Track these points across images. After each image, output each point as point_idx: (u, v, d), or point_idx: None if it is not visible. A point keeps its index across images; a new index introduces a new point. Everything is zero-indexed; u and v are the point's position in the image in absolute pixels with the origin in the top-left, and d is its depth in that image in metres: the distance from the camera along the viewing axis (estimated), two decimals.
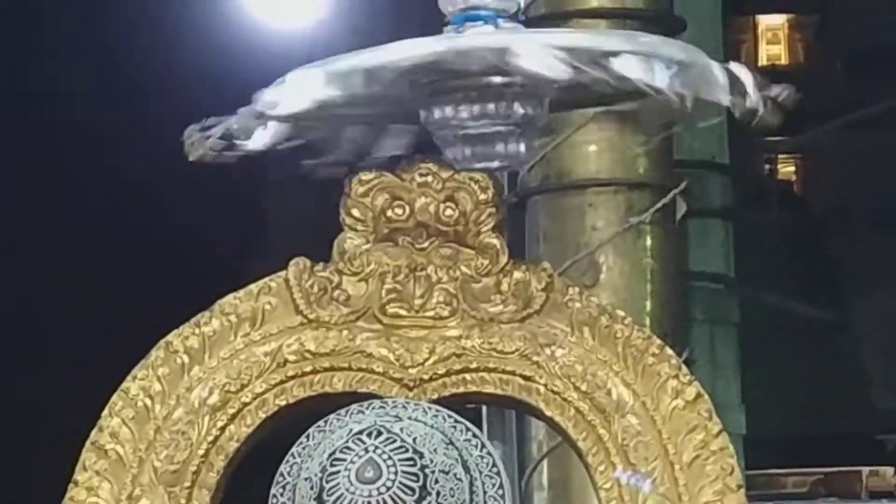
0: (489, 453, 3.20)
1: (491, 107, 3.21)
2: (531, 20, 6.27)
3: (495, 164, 3.32)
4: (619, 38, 3.42)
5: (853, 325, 19.63)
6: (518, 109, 3.22)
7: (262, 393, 3.28)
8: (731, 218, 9.48)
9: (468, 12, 3.35)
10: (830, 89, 19.98)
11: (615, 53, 3.24)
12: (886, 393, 19.33)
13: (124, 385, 3.28)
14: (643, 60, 3.24)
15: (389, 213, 3.29)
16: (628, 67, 3.21)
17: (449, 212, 3.26)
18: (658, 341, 3.33)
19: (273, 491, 3.14)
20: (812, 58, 22.67)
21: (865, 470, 22.85)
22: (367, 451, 3.03)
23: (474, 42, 3.21)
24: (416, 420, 3.12)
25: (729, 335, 9.10)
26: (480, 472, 3.14)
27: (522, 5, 3.88)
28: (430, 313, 3.27)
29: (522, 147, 3.30)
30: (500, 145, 3.29)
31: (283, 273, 3.32)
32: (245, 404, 3.27)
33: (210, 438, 3.26)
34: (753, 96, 3.24)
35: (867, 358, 20.03)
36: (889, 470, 21.74)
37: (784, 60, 22.40)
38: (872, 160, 18.26)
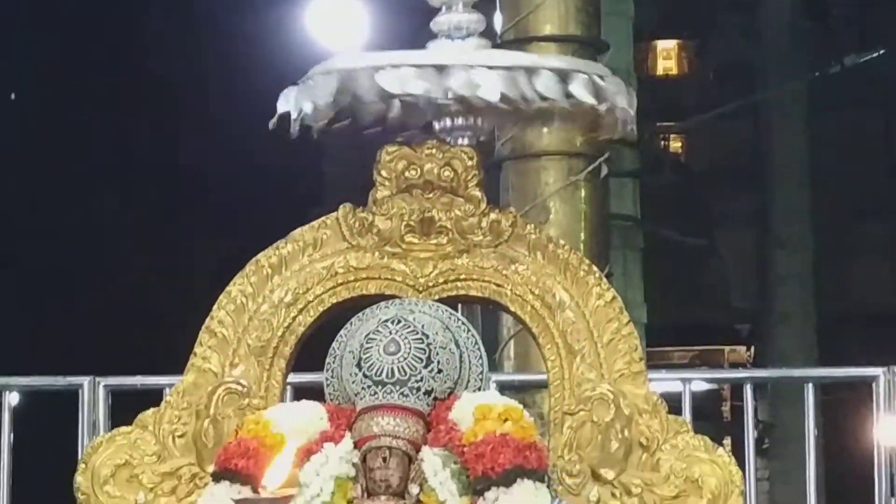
0: (473, 335, 3.30)
1: (458, 121, 3.33)
2: (504, 43, 6.27)
3: (465, 141, 3.39)
4: (564, 62, 3.41)
5: (718, 249, 19.65)
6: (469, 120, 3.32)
7: (320, 294, 3.33)
8: (638, 178, 9.45)
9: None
10: (705, 91, 20.03)
11: (567, 74, 3.22)
12: (740, 296, 19.50)
13: (228, 288, 3.36)
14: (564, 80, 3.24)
15: (406, 173, 3.34)
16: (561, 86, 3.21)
17: (447, 173, 3.35)
18: (587, 261, 3.45)
19: (327, 361, 3.27)
20: (693, 69, 22.56)
21: (727, 349, 23.22)
22: (390, 333, 3.10)
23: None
24: (423, 313, 3.23)
25: (636, 257, 9.14)
26: (467, 348, 3.25)
27: (499, 31, 3.83)
28: (434, 242, 3.33)
29: (477, 134, 3.40)
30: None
31: (334, 213, 3.37)
32: (309, 302, 3.34)
33: (285, 325, 3.33)
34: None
35: (727, 272, 20.12)
36: (742, 348, 22.29)
37: (674, 71, 22.21)
38: (731, 138, 18.26)
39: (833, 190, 17.45)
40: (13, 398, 4.86)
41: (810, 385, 4.38)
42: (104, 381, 4.40)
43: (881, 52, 13.74)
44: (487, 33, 3.55)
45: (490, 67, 3.17)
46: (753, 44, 14.36)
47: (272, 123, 3.32)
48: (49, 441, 4.54)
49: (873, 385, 4.14)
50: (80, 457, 3.49)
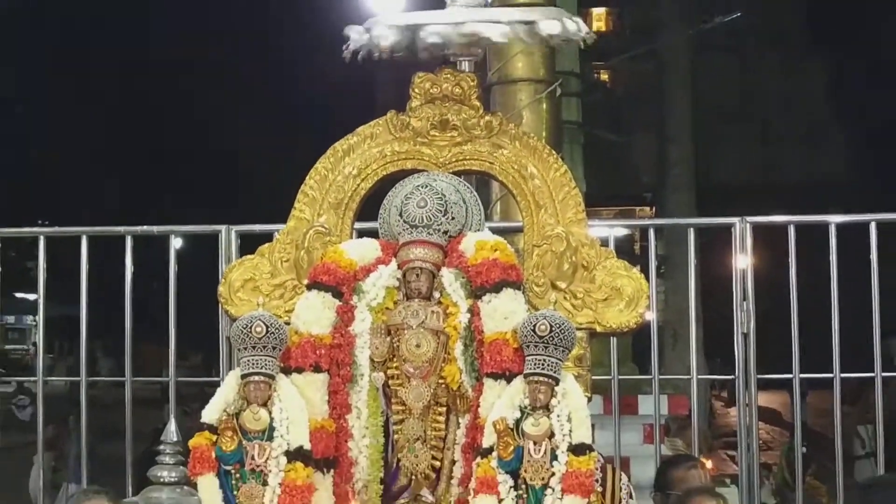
0: (474, 195, 3.28)
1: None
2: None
3: (467, 66, 3.33)
4: (534, 13, 3.32)
5: (632, 144, 19.30)
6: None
7: (375, 169, 3.26)
8: (580, 97, 9.34)
9: None
10: (623, 42, 19.61)
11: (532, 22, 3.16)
12: (645, 174, 19.09)
13: (315, 165, 3.28)
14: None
15: (431, 90, 3.24)
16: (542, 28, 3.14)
17: (457, 90, 3.24)
18: (548, 147, 3.33)
19: (379, 212, 3.20)
20: (616, 28, 22.22)
21: (637, 208, 22.53)
22: (420, 194, 3.05)
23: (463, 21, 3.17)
24: (442, 181, 3.15)
25: (578, 149, 9.05)
26: (471, 204, 3.17)
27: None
28: (448, 135, 3.24)
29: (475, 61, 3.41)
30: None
31: (384, 117, 3.28)
32: (367, 174, 3.27)
33: (353, 189, 3.26)
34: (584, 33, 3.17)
35: (637, 159, 19.67)
36: (647, 208, 21.46)
37: (603, 29, 21.93)
38: (640, 73, 17.89)
39: (706, 105, 17.46)
40: (177, 242, 4.90)
41: (691, 230, 4.40)
42: (235, 228, 4.41)
43: (738, 14, 14.26)
44: None
45: (494, 22, 3.17)
46: (655, 9, 14.20)
47: (346, 54, 3.27)
48: (201, 270, 4.55)
49: (731, 230, 4.17)
50: (220, 276, 3.52)
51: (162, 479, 3.37)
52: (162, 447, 3.57)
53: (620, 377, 4.34)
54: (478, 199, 3.19)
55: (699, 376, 4.35)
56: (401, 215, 3.03)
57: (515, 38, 3.28)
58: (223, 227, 4.42)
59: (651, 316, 3.85)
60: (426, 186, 3.06)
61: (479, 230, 3.11)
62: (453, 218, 3.04)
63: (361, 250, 3.07)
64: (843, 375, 4.09)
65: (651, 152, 15.99)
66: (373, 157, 3.24)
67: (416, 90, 3.25)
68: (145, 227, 4.62)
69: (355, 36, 3.24)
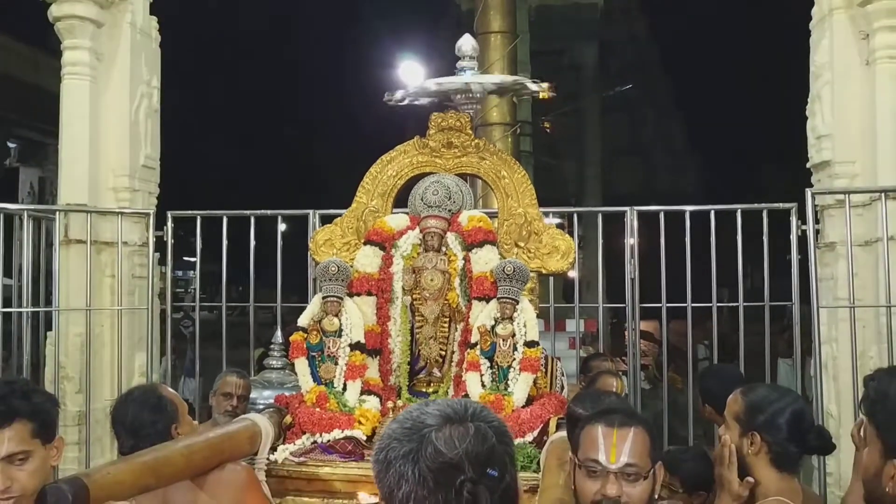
0: (468, 188, 3.22)
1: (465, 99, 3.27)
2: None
3: (470, 110, 3.34)
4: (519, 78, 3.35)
5: (563, 165, 17.75)
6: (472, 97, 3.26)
7: (407, 172, 3.27)
8: (531, 134, 9.26)
9: (463, 69, 3.29)
10: (558, 102, 17.83)
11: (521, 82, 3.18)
12: (570, 187, 17.49)
13: (370, 170, 3.29)
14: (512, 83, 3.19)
15: (441, 123, 3.27)
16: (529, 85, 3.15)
17: (458, 123, 3.27)
18: (514, 160, 3.32)
19: (409, 198, 3.19)
20: (555, 94, 20.47)
21: (572, 209, 20.58)
22: (434, 186, 3.08)
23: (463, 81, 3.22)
24: (448, 179, 3.16)
25: (530, 168, 9.01)
26: (465, 193, 3.17)
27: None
28: (452, 152, 3.26)
29: (476, 106, 3.37)
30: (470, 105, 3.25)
31: (412, 141, 3.30)
32: (402, 175, 3.28)
33: (393, 184, 3.28)
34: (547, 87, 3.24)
35: (566, 175, 17.83)
36: (572, 208, 19.27)
37: (547, 97, 20.01)
38: (565, 123, 16.76)
39: (608, 142, 16.65)
40: (282, 226, 4.97)
41: (599, 216, 4.41)
42: (318, 211, 4.49)
43: (630, 85, 14.62)
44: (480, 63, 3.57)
45: (485, 83, 3.29)
46: (577, 83, 14.62)
47: (388, 99, 3.32)
48: (296, 241, 4.54)
49: (624, 216, 4.24)
50: (309, 238, 3.59)
51: (272, 366, 3.52)
52: (272, 347, 3.72)
53: (556, 305, 4.43)
54: (470, 191, 3.22)
55: (603, 305, 4.41)
56: (422, 200, 3.07)
57: (507, 90, 3.32)
58: (311, 211, 4.52)
59: (574, 273, 3.98)
60: (438, 182, 3.11)
61: (470, 210, 3.14)
62: (455, 202, 3.07)
63: (398, 221, 3.12)
64: (693, 305, 4.14)
65: (575, 172, 16.08)
66: (405, 164, 3.26)
67: (432, 123, 3.28)
68: (262, 211, 4.66)
69: (398, 95, 3.31)
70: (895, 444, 1.53)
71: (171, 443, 2.13)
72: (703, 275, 4.13)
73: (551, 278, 3.66)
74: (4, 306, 4.13)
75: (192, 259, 5.02)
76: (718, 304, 4.19)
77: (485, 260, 2.92)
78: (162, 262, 4.75)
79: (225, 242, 4.63)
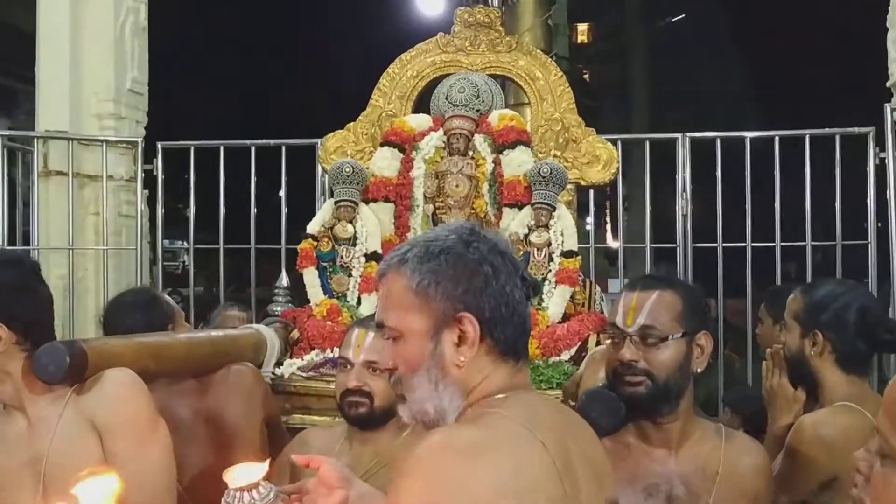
0: (498, 87, 3.15)
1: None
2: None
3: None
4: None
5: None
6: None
7: (428, 73, 3.07)
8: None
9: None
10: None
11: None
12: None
13: (387, 70, 3.07)
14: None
15: (468, 19, 3.07)
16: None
17: (487, 19, 3.09)
18: (549, 59, 3.07)
19: (432, 99, 3.03)
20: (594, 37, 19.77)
21: None
22: (461, 83, 2.89)
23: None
24: (476, 76, 2.97)
25: None
26: (496, 93, 2.99)
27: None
28: (479, 50, 3.05)
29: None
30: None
31: (434, 38, 3.09)
32: (424, 75, 3.07)
33: (413, 84, 3.09)
34: None
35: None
36: None
37: (587, 41, 19.10)
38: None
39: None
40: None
41: (647, 142, 3.94)
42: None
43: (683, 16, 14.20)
44: None
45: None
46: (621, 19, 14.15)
47: None
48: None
49: (675, 143, 3.84)
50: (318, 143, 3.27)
51: (277, 312, 3.24)
52: (277, 291, 3.44)
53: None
54: (500, 90, 3.10)
55: (650, 245, 3.96)
56: (447, 98, 2.98)
57: None
58: (318, 141, 4.20)
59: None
60: (465, 79, 3.01)
61: (499, 109, 3.01)
62: (483, 101, 2.96)
63: (419, 121, 3.02)
64: (753, 245, 3.81)
65: (619, 115, 15.09)
66: (426, 64, 3.16)
67: (458, 18, 3.16)
68: (265, 140, 4.36)
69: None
70: None
71: (172, 332, 1.93)
72: (766, 211, 3.81)
73: (591, 248, 3.49)
74: None
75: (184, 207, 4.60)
76: (783, 244, 3.84)
77: (517, 162, 2.81)
78: (152, 200, 4.38)
79: (223, 178, 4.31)
